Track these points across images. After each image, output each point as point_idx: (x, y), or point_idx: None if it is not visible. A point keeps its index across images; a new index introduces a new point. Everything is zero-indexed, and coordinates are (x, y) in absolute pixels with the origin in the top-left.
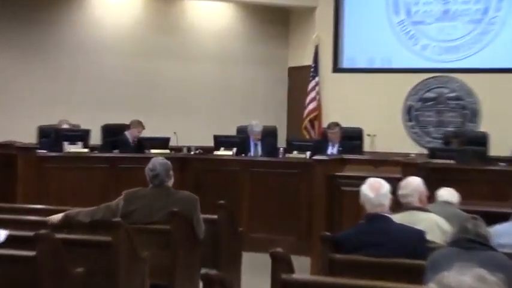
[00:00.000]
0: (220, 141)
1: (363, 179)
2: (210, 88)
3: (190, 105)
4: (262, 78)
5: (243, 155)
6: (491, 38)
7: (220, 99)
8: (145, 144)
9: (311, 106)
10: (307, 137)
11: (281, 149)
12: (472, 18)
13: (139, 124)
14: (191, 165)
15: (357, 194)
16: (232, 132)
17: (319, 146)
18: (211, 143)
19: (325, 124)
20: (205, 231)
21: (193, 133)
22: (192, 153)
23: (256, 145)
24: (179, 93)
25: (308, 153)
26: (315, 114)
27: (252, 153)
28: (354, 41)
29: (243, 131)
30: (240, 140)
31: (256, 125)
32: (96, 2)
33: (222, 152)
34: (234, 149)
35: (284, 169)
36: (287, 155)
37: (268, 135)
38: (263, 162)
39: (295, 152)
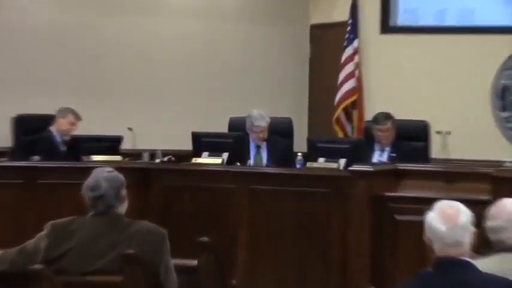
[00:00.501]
0: (203, 142)
1: (429, 203)
2: (188, 59)
3: (156, 86)
4: (269, 43)
5: (239, 164)
6: None
7: (204, 77)
8: (82, 146)
9: (347, 86)
10: (341, 135)
11: (299, 154)
12: None
13: (71, 114)
14: (156, 180)
15: (420, 226)
16: (223, 128)
17: (361, 149)
18: (188, 146)
19: (369, 115)
20: (179, 285)
21: (159, 130)
22: (158, 161)
23: (259, 148)
24: (138, 68)
25: (342, 162)
26: (352, 99)
27: (252, 160)
28: None
29: (238, 126)
30: (234, 140)
31: (260, 116)
32: None
33: (205, 159)
34: (225, 155)
35: (304, 187)
36: (309, 165)
37: (279, 132)
38: (271, 175)
39: (321, 160)
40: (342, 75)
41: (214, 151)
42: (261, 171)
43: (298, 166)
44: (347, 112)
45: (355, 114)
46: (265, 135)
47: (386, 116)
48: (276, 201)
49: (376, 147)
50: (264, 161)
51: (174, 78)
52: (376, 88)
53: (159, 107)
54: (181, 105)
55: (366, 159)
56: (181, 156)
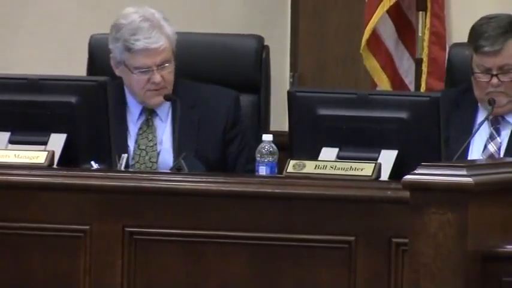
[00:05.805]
0: None
1: None
2: None
3: None
4: None
5: (94, 163)
6: None
7: None
8: None
9: None
10: (385, 84)
11: (266, 139)
12: None
13: None
14: None
15: None
16: (59, 65)
17: (433, 123)
18: None
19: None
20: None
21: None
22: None
23: (151, 117)
24: None
25: (387, 158)
26: None
27: (130, 151)
28: None
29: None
30: (85, 97)
31: (149, 25)
32: None
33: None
34: (56, 139)
35: (284, 231)
36: (294, 167)
37: (213, 76)
38: (191, 199)
39: (328, 153)
40: None
41: (24, 130)
42: (158, 185)
43: (262, 171)
44: (399, 17)
45: (423, 23)
46: (168, 79)
47: (505, 31)
48: (222, 263)
49: (483, 120)
50: (166, 151)
51: None
52: None
53: None
54: None
55: (454, 148)
56: None
